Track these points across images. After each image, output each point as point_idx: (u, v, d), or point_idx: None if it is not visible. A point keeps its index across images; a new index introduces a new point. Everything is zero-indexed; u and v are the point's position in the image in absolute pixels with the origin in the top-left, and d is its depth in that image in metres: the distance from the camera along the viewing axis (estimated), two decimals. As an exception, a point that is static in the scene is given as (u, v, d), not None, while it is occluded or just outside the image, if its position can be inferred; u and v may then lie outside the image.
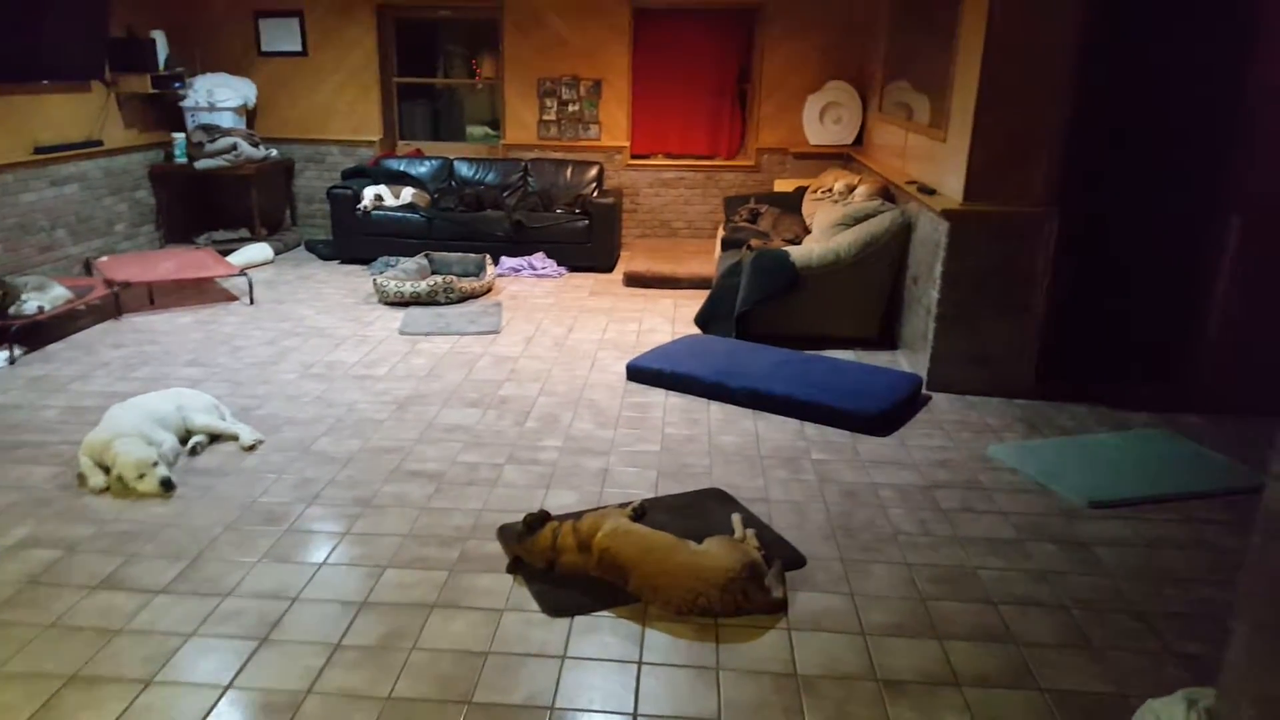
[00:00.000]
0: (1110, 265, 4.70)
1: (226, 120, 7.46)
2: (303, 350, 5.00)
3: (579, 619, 2.62)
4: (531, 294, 6.35)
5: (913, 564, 2.95)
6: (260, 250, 7.17)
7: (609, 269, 7.06)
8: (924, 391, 4.47)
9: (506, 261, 6.91)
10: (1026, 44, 4.06)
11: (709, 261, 6.71)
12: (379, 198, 7.09)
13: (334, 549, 2.97)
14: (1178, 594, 2.82)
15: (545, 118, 7.76)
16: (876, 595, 2.77)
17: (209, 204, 7.77)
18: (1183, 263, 4.48)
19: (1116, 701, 2.33)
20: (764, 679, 2.38)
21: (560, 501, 3.31)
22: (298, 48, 7.73)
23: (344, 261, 7.14)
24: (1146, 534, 3.19)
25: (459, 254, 6.64)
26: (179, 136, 7.28)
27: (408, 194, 7.18)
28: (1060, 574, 2.92)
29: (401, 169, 7.55)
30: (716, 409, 4.27)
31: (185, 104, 7.38)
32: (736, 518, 3.09)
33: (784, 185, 7.35)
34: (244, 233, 7.55)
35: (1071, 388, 4.52)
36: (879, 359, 4.97)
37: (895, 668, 2.44)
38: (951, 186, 4.48)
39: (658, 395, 4.44)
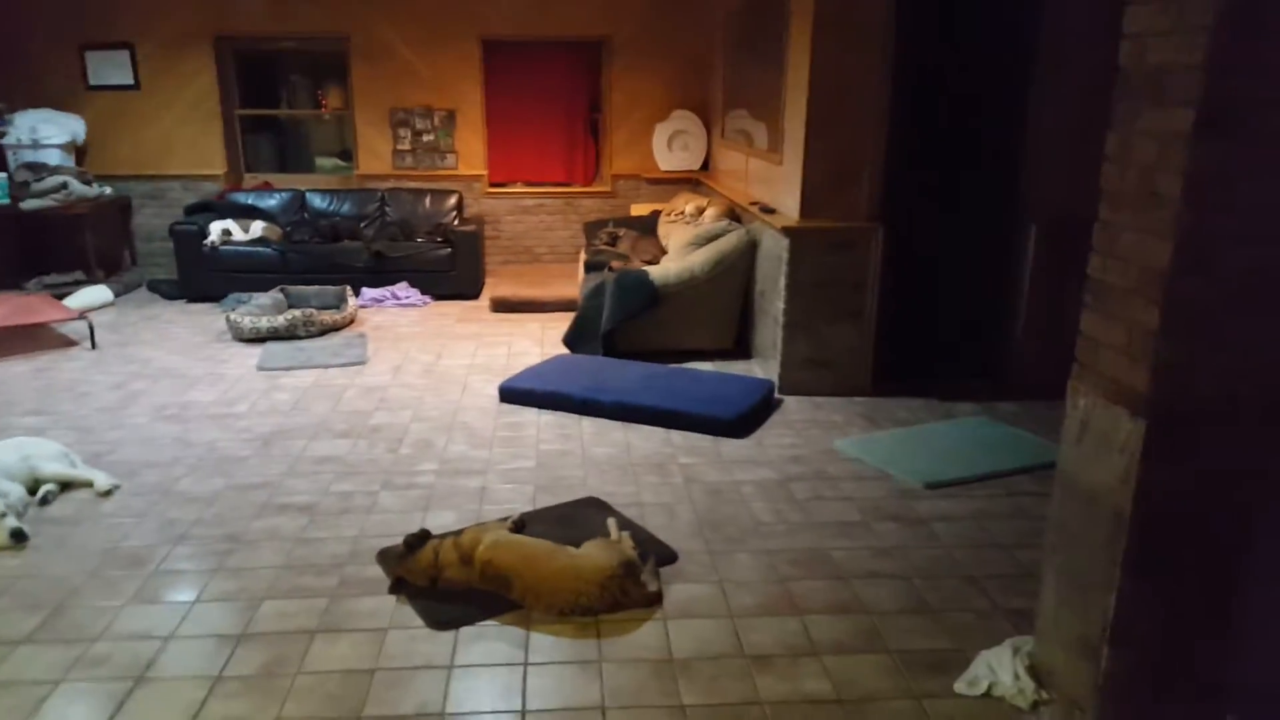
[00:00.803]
0: (931, 273, 5.19)
1: (54, 158, 7.08)
2: (154, 392, 4.82)
3: (464, 630, 2.70)
4: (396, 324, 6.34)
5: (773, 550, 3.20)
6: (98, 292, 6.82)
7: (475, 296, 7.13)
8: (776, 395, 4.79)
9: (368, 293, 6.87)
10: (845, 77, 4.47)
11: (573, 284, 6.90)
12: (227, 232, 6.90)
13: (206, 586, 2.93)
14: (1003, 558, 3.18)
15: (400, 147, 7.77)
16: (742, 581, 2.99)
17: (38, 247, 7.31)
18: (993, 268, 5.01)
19: (955, 655, 2.62)
20: (643, 665, 2.55)
21: (439, 521, 3.37)
22: (129, 81, 7.44)
23: (191, 300, 6.90)
24: (974, 508, 3.56)
25: (317, 287, 6.54)
26: None
27: (258, 228, 7.02)
28: (902, 548, 3.24)
29: (250, 202, 7.38)
30: (588, 423, 4.43)
31: (5, 142, 6.96)
32: (612, 522, 3.25)
33: (640, 209, 7.64)
34: (79, 275, 7.16)
35: (905, 385, 4.95)
36: (735, 368, 5.27)
37: (761, 644, 2.66)
38: (789, 206, 4.84)
39: (531, 414, 4.56)
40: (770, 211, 5.07)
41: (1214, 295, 1.96)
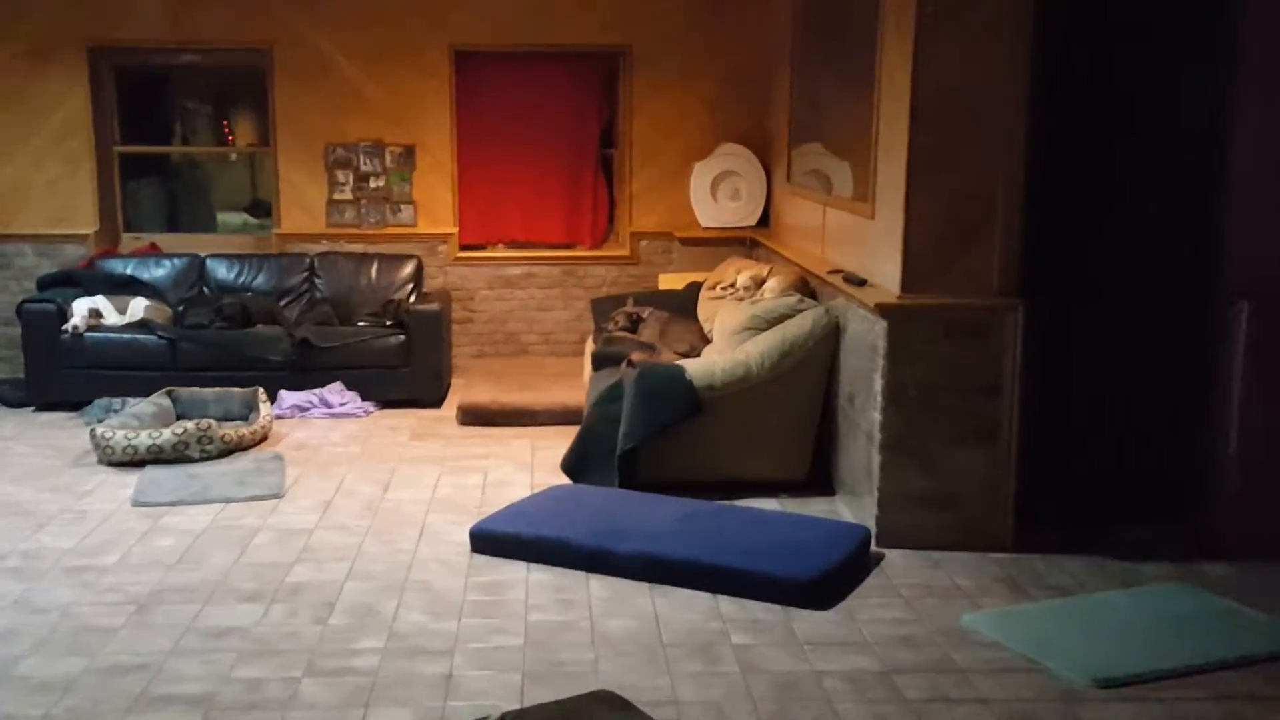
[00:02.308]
0: (1097, 371, 5.14)
1: None
2: (-15, 537, 4.90)
3: None
4: (327, 441, 6.41)
5: (875, 773, 3.14)
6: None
7: (436, 402, 7.18)
8: (874, 548, 4.74)
9: (288, 397, 6.98)
10: (964, 93, 4.59)
11: (576, 386, 6.93)
12: (96, 314, 7.08)
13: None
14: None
15: (337, 197, 8.01)
16: (830, 818, 2.93)
17: None
18: (1186, 363, 4.95)
19: None
20: None
21: (386, 725, 3.35)
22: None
23: (41, 408, 7.03)
24: (1170, 717, 3.47)
25: (218, 390, 6.68)
26: None
27: (139, 307, 7.20)
28: (1064, 772, 3.17)
29: (129, 273, 7.59)
30: (599, 585, 4.41)
31: None
32: (635, 728, 3.21)
33: (671, 281, 7.73)
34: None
35: (1062, 534, 4.89)
36: (813, 507, 5.24)
37: None
38: (886, 275, 4.90)
39: (516, 570, 4.55)
40: (860, 283, 5.14)
41: None
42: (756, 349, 5.47)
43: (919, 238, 4.68)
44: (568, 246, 8.32)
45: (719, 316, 6.31)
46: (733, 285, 6.60)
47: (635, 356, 6.06)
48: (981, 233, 4.67)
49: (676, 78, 7.99)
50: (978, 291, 4.68)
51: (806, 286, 6.04)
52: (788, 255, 6.76)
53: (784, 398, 5.45)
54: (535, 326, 8.22)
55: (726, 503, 5.16)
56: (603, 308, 7.40)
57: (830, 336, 5.48)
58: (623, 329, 6.83)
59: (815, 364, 5.47)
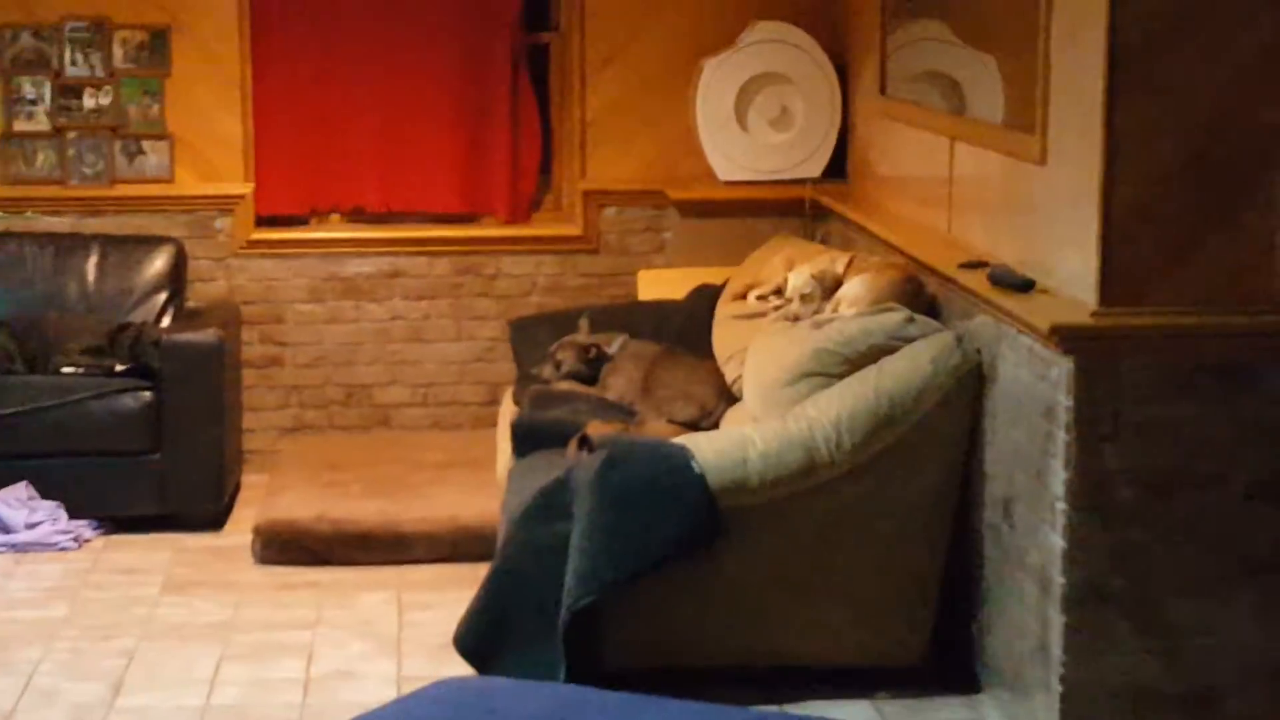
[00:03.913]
0: None
1: None
2: None
3: None
4: (1, 596, 6.34)
5: None
6: None
7: (214, 521, 7.27)
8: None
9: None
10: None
11: (483, 486, 6.96)
12: None
13: None
14: None
15: (22, 127, 8.06)
16: None
17: None
18: None
19: None
20: None
21: None
22: None
23: None
24: None
25: None
26: None
27: None
28: None
29: None
30: None
31: None
32: None
33: (661, 284, 7.79)
34: None
35: None
36: (939, 716, 5.16)
37: None
38: (1071, 271, 4.88)
39: None
40: (1022, 287, 5.09)
41: None
42: (827, 415, 5.42)
43: (1133, 201, 4.62)
44: (465, 220, 8.36)
45: (754, 351, 6.30)
46: (778, 292, 6.53)
47: (595, 430, 6.05)
48: (1253, 193, 4.61)
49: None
50: (1247, 302, 4.63)
51: (919, 293, 6.04)
52: (881, 233, 6.79)
53: (880, 508, 5.42)
54: (403, 373, 8.26)
55: (774, 709, 5.01)
56: (533, 336, 7.49)
57: (965, 389, 5.45)
58: (570, 375, 6.83)
59: (938, 442, 5.45)
